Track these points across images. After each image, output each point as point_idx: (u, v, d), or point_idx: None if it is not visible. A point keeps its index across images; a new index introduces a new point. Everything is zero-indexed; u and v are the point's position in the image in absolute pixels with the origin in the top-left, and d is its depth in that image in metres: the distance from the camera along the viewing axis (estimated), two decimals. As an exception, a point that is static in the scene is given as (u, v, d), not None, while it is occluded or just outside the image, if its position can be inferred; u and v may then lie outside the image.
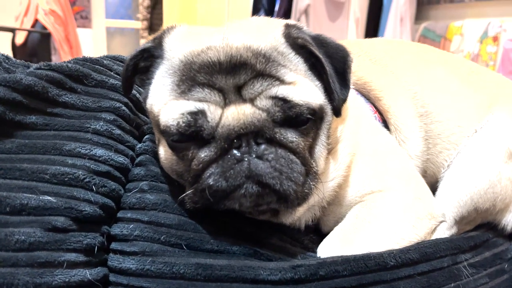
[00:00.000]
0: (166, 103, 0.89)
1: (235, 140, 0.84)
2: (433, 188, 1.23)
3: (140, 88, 1.19)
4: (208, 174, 0.85)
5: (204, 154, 0.86)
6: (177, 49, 0.92)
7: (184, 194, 0.91)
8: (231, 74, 0.86)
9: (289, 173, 0.85)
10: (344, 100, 0.96)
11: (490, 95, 1.30)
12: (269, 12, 5.82)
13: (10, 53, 5.51)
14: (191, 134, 0.86)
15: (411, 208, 1.07)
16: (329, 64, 0.93)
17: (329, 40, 0.99)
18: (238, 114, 0.85)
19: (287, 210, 0.95)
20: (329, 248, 0.98)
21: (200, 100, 0.85)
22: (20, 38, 5.46)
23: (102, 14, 7.61)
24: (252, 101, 0.86)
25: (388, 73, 1.29)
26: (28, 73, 0.97)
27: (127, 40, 8.53)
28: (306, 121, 0.90)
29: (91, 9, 7.50)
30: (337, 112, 0.96)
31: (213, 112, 0.85)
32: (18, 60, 1.11)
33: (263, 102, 0.86)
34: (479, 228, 1.22)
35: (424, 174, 1.26)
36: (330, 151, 1.02)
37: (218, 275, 0.83)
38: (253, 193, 0.84)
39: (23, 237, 0.77)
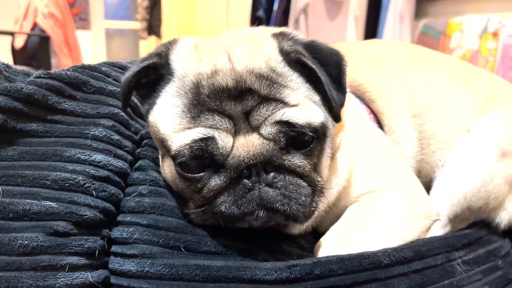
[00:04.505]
0: (176, 129, 0.90)
1: (244, 171, 0.87)
2: (428, 187, 1.24)
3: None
4: (220, 201, 0.88)
5: (214, 183, 0.89)
6: (187, 69, 0.93)
7: (192, 212, 0.93)
8: (238, 100, 0.88)
9: (298, 198, 0.89)
10: (341, 105, 0.97)
11: (483, 95, 1.31)
12: (268, 11, 5.82)
13: (9, 57, 5.54)
14: (206, 160, 0.88)
15: (405, 207, 1.09)
16: (324, 73, 0.94)
17: (322, 46, 1.00)
18: (247, 146, 0.87)
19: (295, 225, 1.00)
20: (324, 248, 1.00)
21: (210, 127, 0.87)
22: (20, 42, 5.49)
23: (100, 16, 7.62)
24: (258, 129, 0.88)
25: (382, 74, 1.30)
26: (28, 82, 0.99)
27: (126, 41, 8.54)
28: (311, 142, 0.92)
29: (90, 11, 7.50)
30: (336, 118, 0.98)
31: (224, 140, 0.87)
32: (18, 68, 1.14)
33: (268, 129, 0.88)
34: (473, 226, 1.23)
35: (419, 174, 1.27)
36: (332, 157, 1.04)
37: (216, 276, 0.86)
38: (264, 217, 0.88)
39: (26, 242, 0.80)
